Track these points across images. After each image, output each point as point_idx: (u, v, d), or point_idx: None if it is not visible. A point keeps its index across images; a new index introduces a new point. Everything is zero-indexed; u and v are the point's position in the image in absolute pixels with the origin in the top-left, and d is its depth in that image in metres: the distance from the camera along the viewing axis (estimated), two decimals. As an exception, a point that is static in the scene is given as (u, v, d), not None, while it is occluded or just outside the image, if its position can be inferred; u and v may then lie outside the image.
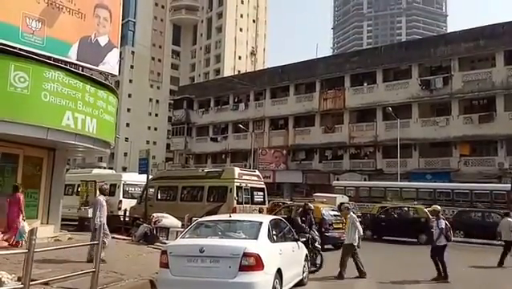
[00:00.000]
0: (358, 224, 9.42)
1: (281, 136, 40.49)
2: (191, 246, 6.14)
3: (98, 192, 10.30)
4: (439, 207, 10.37)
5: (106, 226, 8.09)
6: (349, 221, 9.52)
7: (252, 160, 39.09)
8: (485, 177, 27.50)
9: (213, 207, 14.09)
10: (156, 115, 76.49)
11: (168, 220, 12.90)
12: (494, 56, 30.17)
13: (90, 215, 15.66)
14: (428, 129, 31.79)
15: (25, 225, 9.58)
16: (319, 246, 9.96)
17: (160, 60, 78.36)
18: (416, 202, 21.90)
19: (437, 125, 31.60)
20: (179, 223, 12.58)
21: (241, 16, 73.28)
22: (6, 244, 9.44)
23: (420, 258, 11.15)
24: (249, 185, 15.12)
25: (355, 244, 9.24)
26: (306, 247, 8.68)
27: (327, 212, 14.77)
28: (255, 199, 15.26)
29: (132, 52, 74.27)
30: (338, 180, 33.05)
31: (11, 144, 10.82)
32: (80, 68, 11.48)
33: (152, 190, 16.72)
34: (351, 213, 9.92)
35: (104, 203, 8.89)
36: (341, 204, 21.42)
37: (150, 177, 16.67)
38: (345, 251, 9.27)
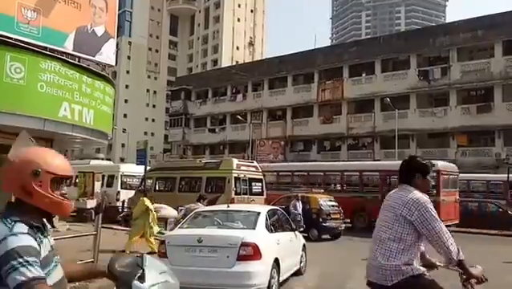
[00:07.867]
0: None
1: (279, 127, 40.44)
2: (189, 236, 6.18)
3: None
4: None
5: None
6: None
7: (250, 151, 39.08)
8: (483, 168, 27.59)
9: (211, 198, 14.14)
10: (154, 106, 76.18)
11: (167, 211, 12.98)
12: (493, 46, 30.06)
13: (88, 206, 15.83)
14: (426, 120, 31.80)
15: None
16: None
17: (157, 51, 77.82)
18: None
19: (435, 116, 31.61)
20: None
21: (239, 6, 72.72)
22: None
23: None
24: (248, 175, 15.20)
25: None
26: None
27: (325, 202, 14.84)
28: (253, 190, 15.34)
29: (129, 43, 73.69)
30: (336, 170, 33.13)
31: (8, 136, 10.75)
32: (77, 59, 11.40)
33: (150, 181, 16.78)
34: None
35: None
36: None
37: (148, 168, 16.70)
38: None
